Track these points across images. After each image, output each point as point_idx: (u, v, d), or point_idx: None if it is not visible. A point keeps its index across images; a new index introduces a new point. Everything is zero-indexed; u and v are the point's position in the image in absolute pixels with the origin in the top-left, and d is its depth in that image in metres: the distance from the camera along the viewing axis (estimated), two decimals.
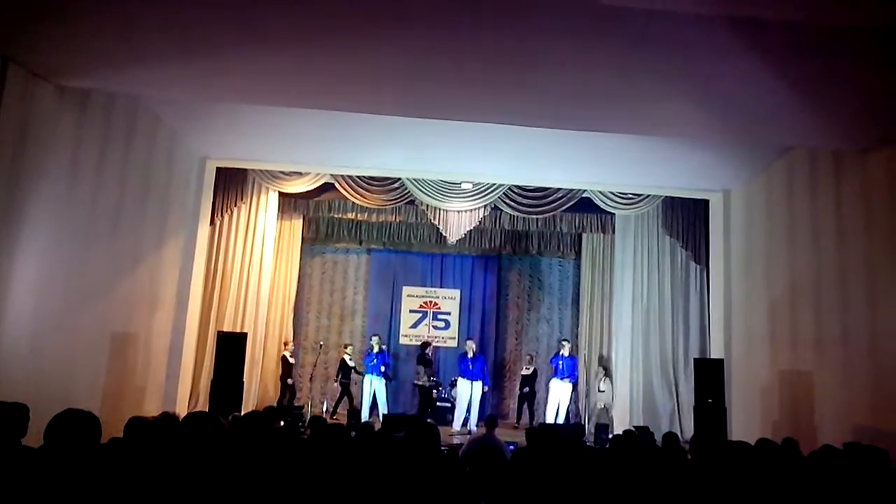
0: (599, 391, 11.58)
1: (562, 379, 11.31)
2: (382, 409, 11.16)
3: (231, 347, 9.39)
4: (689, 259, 11.32)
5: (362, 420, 10.04)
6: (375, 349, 11.45)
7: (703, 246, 11.03)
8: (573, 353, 11.77)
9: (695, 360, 10.06)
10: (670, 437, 5.80)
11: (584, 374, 11.91)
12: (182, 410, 9.23)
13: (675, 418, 10.86)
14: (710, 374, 9.20)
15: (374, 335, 11.81)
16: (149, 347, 8.96)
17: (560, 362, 11.45)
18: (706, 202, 10.81)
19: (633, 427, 9.13)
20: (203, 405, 9.87)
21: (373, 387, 11.30)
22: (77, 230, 7.00)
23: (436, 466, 3.39)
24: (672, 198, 11.07)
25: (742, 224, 10.06)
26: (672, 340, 11.22)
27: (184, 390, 10.01)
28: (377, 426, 7.54)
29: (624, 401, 11.24)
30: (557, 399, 11.27)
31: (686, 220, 11.30)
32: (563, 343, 11.71)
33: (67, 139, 6.78)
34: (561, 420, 11.09)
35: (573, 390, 11.60)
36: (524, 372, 12.09)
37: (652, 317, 11.33)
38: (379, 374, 11.33)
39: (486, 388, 11.36)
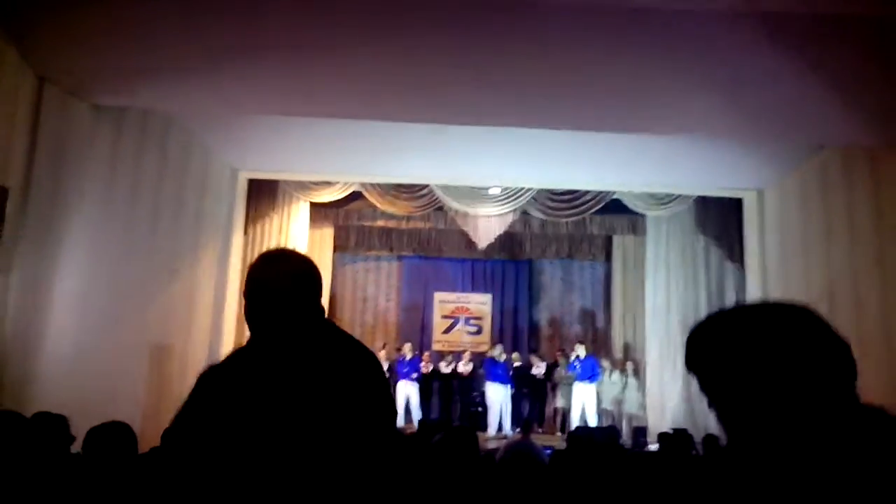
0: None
1: (582, 381, 11.15)
2: (416, 414, 11.17)
3: None
4: (723, 258, 11.15)
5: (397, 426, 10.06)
6: (408, 356, 11.47)
7: (738, 245, 10.86)
8: (590, 353, 11.55)
9: None
10: (710, 439, 5.71)
11: (620, 376, 11.73)
12: None
13: (712, 420, 10.68)
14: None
15: (407, 342, 11.84)
16: (186, 359, 9.08)
17: (577, 364, 11.24)
18: (739, 201, 10.65)
19: (672, 429, 9.00)
20: None
21: (406, 393, 11.31)
22: (115, 244, 7.15)
23: (473, 471, 3.38)
24: (704, 197, 10.93)
25: (777, 222, 9.88)
26: None
27: None
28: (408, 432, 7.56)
29: (658, 403, 11.10)
30: (581, 402, 11.10)
31: (719, 220, 11.14)
32: (577, 345, 11.52)
33: (104, 156, 6.94)
34: (591, 423, 10.93)
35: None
36: (535, 371, 11.57)
37: (686, 318, 11.16)
38: (411, 380, 11.34)
39: (512, 392, 11.29)
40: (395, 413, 1.82)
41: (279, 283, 1.77)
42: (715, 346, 1.16)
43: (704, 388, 1.18)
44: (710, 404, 1.18)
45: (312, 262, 1.93)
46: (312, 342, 1.74)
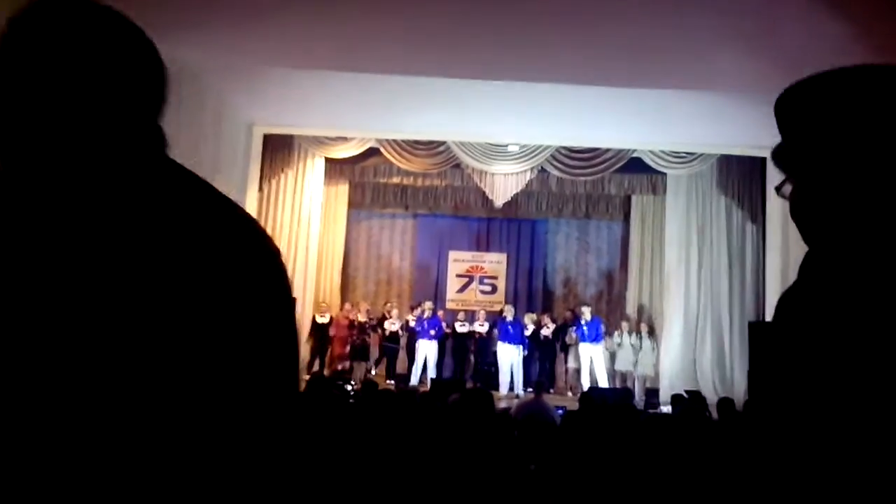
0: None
1: (591, 342, 11.12)
2: (431, 373, 11.21)
3: None
4: (745, 219, 10.98)
5: (411, 384, 10.12)
6: (427, 314, 11.45)
7: (760, 205, 10.66)
8: (595, 315, 11.47)
9: (749, 323, 9.81)
10: (726, 402, 5.67)
11: (634, 337, 11.65)
12: None
13: (728, 383, 10.65)
14: (764, 339, 8.96)
15: (426, 301, 11.84)
16: None
17: (584, 327, 11.18)
18: (763, 159, 10.42)
19: (685, 392, 8.99)
20: None
21: (424, 352, 11.33)
22: None
23: (486, 430, 3.36)
24: (727, 156, 10.72)
25: None
26: (729, 303, 10.92)
27: None
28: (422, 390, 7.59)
29: (675, 365, 11.06)
30: (588, 363, 11.09)
31: (742, 179, 10.93)
32: (584, 309, 11.44)
33: None
34: (601, 384, 10.93)
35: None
36: (544, 331, 11.43)
37: (704, 279, 11.05)
38: (429, 338, 11.35)
39: (525, 352, 11.31)
40: (290, 351, 0.87)
41: (89, 54, 0.86)
42: (828, 105, 0.88)
43: (796, 156, 0.90)
44: (792, 181, 0.90)
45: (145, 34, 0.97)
46: (130, 183, 0.86)
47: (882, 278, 0.77)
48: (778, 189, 0.94)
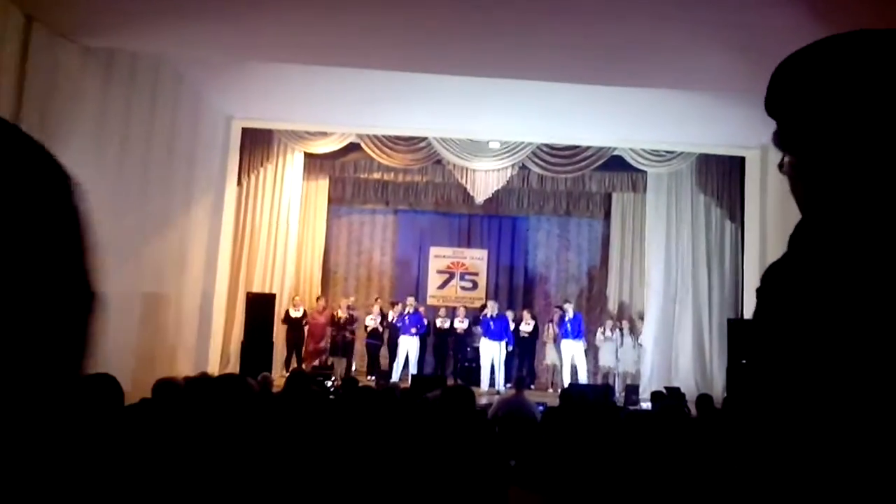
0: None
1: (573, 339, 11.15)
2: (413, 369, 11.17)
3: (260, 308, 9.44)
4: (724, 217, 11.06)
5: (392, 381, 10.08)
6: (408, 310, 11.40)
7: (739, 203, 10.76)
8: (577, 311, 11.51)
9: (728, 320, 9.88)
10: (704, 399, 5.71)
11: (615, 334, 11.72)
12: (214, 371, 9.34)
13: (707, 380, 10.74)
14: (743, 336, 9.05)
15: (409, 296, 11.80)
16: (179, 308, 9.03)
17: (568, 324, 11.20)
18: (742, 159, 10.51)
19: (664, 388, 9.05)
20: (234, 365, 9.98)
21: (406, 348, 11.28)
22: (105, 192, 6.99)
23: (466, 426, 3.35)
24: (706, 154, 10.79)
25: (779, 181, 9.64)
26: (708, 301, 11.01)
27: (215, 350, 10.12)
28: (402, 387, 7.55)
29: (654, 361, 11.13)
30: (570, 359, 11.12)
31: (721, 178, 11.02)
32: (567, 305, 11.47)
33: (93, 100, 6.75)
34: (582, 380, 10.96)
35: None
36: (524, 328, 11.48)
37: (684, 276, 11.13)
38: (410, 334, 11.30)
39: (510, 348, 11.32)
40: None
41: None
42: (821, 77, 0.82)
43: (790, 136, 0.86)
44: (788, 156, 0.87)
45: None
46: None
47: (880, 251, 0.73)
48: (780, 166, 0.90)
